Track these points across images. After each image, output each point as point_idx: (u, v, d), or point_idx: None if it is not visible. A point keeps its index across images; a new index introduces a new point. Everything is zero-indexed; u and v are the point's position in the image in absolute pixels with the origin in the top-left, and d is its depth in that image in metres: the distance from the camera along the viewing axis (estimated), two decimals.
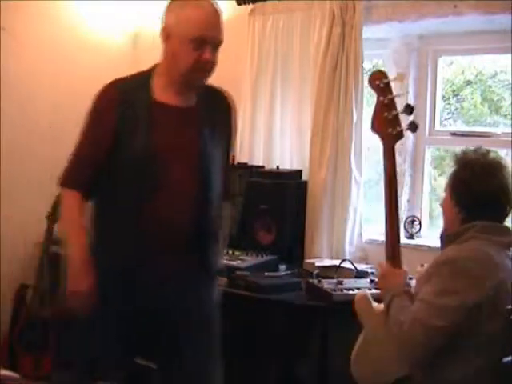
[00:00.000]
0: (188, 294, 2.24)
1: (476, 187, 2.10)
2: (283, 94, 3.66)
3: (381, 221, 3.50)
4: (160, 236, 2.17)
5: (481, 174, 2.11)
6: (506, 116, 3.41)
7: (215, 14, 2.20)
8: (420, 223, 3.42)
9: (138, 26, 4.30)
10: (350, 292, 2.81)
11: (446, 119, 3.62)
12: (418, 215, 3.46)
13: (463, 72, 3.64)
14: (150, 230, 2.15)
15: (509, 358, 2.06)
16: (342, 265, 3.14)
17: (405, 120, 2.31)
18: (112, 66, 4.23)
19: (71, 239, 2.21)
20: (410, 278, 2.30)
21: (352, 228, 3.43)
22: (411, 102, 3.45)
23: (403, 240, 2.65)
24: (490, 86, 3.55)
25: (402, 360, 2.09)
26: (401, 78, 2.30)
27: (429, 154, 3.53)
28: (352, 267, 3.13)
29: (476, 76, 3.60)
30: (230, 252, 3.27)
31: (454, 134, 3.42)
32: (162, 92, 2.21)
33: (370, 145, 3.67)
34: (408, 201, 3.50)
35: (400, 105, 2.29)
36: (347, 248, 3.41)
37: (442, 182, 3.59)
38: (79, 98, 4.06)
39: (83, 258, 2.17)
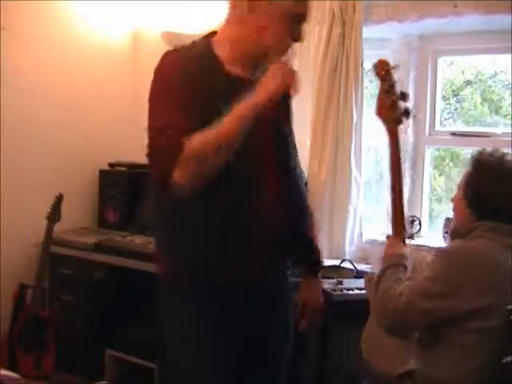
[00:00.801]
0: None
1: (489, 192, 2.11)
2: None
3: (381, 221, 3.54)
4: (264, 237, 1.92)
5: (495, 179, 2.11)
6: (506, 116, 3.41)
7: None
8: (420, 223, 3.42)
9: (138, 26, 4.30)
10: (350, 292, 2.82)
11: (445, 119, 3.62)
12: (418, 215, 3.46)
13: (463, 72, 3.64)
14: (255, 232, 1.91)
15: (509, 358, 2.06)
16: (342, 265, 3.15)
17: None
18: (112, 66, 4.25)
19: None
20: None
21: (352, 228, 3.43)
22: (411, 102, 3.47)
23: None
24: (490, 86, 3.55)
25: (377, 323, 2.15)
26: (397, 67, 2.37)
27: (429, 154, 3.53)
28: (352, 267, 3.14)
29: (476, 76, 3.60)
30: None
31: (454, 133, 3.42)
32: (230, 64, 1.94)
33: (370, 145, 3.67)
34: (408, 201, 3.50)
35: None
36: (347, 248, 3.41)
37: (442, 181, 3.61)
38: (79, 98, 4.10)
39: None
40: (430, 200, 3.55)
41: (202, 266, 1.88)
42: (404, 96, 2.30)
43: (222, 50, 1.95)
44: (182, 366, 1.95)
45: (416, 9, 3.26)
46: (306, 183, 2.40)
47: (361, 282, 2.96)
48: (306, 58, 3.53)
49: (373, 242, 3.42)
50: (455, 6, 3.13)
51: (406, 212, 3.45)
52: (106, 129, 4.18)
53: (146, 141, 1.87)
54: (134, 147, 4.18)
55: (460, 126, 3.55)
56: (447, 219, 3.15)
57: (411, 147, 3.49)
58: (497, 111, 3.51)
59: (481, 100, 3.57)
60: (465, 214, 2.18)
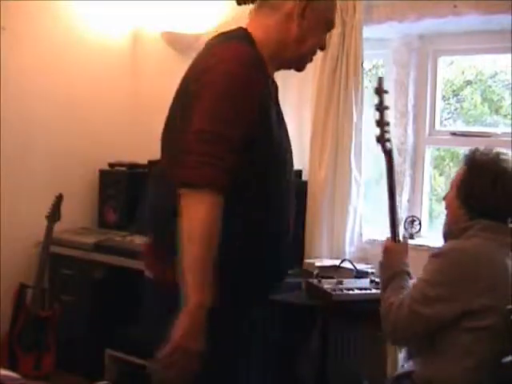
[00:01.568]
0: None
1: (483, 191, 2.11)
2: (283, 94, 3.64)
3: (381, 221, 3.53)
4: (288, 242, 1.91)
5: (489, 179, 2.11)
6: (505, 116, 3.41)
7: None
8: (420, 223, 3.42)
9: (138, 26, 4.30)
10: (350, 292, 2.81)
11: (446, 119, 3.62)
12: (418, 215, 3.46)
13: (463, 72, 3.64)
14: (283, 239, 1.89)
15: (509, 358, 2.06)
16: (342, 265, 3.15)
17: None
18: (112, 66, 4.25)
19: (203, 282, 1.63)
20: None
21: (352, 228, 3.43)
22: (411, 102, 3.47)
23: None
24: (490, 86, 3.55)
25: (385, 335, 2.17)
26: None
27: (429, 153, 3.53)
28: (352, 267, 3.14)
29: (476, 76, 3.60)
30: None
31: (454, 133, 3.42)
32: (267, 65, 1.85)
33: (370, 145, 3.67)
34: (408, 201, 3.50)
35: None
36: (347, 248, 3.41)
37: (442, 181, 3.61)
38: (79, 98, 4.10)
39: (204, 311, 1.64)
40: (430, 200, 3.55)
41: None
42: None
43: (263, 50, 1.84)
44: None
45: (416, 9, 3.26)
46: None
47: (361, 282, 2.96)
48: None
49: (373, 242, 3.42)
50: (455, 6, 3.13)
51: (406, 212, 3.47)
52: (106, 129, 4.18)
53: (188, 131, 1.67)
54: (134, 147, 4.21)
55: (460, 126, 3.55)
56: None
57: (411, 147, 3.49)
58: (497, 111, 3.51)
59: (481, 100, 3.57)
60: (458, 214, 2.17)
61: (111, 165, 4.09)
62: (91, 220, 4.13)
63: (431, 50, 3.47)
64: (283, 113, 1.95)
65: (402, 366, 2.40)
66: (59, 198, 3.63)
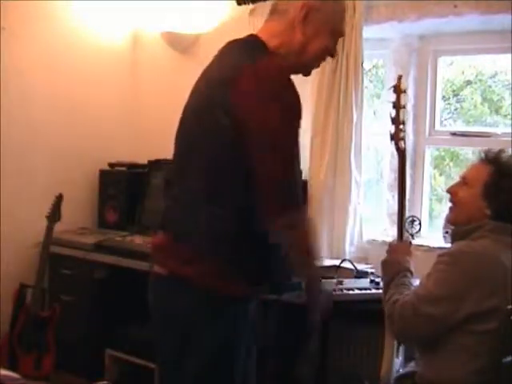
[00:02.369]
0: None
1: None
2: None
3: (381, 221, 3.53)
4: None
5: None
6: (506, 116, 3.41)
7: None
8: (420, 223, 3.41)
9: (138, 26, 4.30)
10: (350, 292, 2.82)
11: (446, 119, 3.62)
12: (418, 215, 3.45)
13: (463, 72, 3.64)
14: None
15: (509, 358, 2.06)
16: (342, 265, 3.14)
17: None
18: (111, 66, 4.25)
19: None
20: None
21: (352, 228, 3.43)
22: (411, 102, 3.47)
23: None
24: (490, 86, 3.55)
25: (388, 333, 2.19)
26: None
27: (429, 153, 3.52)
28: (352, 267, 3.13)
29: (476, 76, 3.60)
30: None
31: (454, 134, 3.42)
32: None
33: (370, 145, 3.67)
34: (408, 201, 3.50)
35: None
36: (347, 248, 3.40)
37: (442, 181, 3.60)
38: (79, 98, 4.10)
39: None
40: (430, 200, 3.55)
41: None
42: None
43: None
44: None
45: (416, 9, 3.26)
46: None
47: (361, 282, 2.96)
48: None
49: (373, 242, 3.42)
50: (455, 6, 3.13)
51: (407, 212, 3.47)
52: (106, 129, 4.18)
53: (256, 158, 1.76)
54: (134, 147, 4.21)
55: (460, 126, 3.54)
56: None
57: (411, 147, 3.49)
58: (497, 111, 3.51)
59: (481, 100, 3.57)
60: (478, 212, 2.14)
61: (111, 165, 4.09)
62: (91, 220, 4.13)
63: (431, 50, 3.47)
64: None
65: (398, 370, 2.38)
66: (59, 198, 3.63)
